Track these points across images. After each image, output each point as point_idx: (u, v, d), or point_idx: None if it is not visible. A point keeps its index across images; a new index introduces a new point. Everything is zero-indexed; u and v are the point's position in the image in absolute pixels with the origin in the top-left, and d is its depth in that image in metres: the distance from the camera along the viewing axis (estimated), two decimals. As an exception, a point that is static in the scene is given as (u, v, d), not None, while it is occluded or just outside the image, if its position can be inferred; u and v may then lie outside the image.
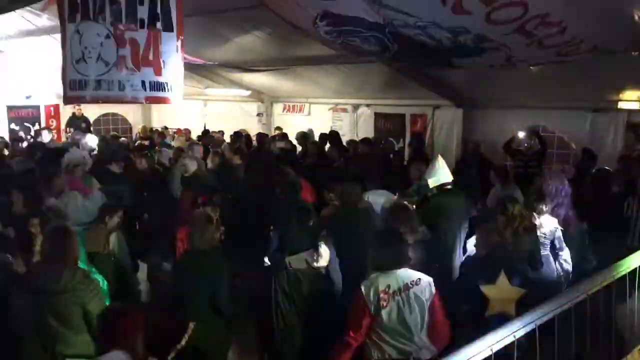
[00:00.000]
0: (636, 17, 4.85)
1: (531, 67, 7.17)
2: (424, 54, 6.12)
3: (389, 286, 3.57)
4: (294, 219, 5.07)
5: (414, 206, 5.67)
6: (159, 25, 6.76)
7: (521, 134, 8.79)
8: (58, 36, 6.83)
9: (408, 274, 3.68)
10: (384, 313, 3.54)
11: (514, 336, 2.49)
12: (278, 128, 12.41)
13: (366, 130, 11.74)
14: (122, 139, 12.31)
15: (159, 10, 6.71)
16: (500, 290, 4.07)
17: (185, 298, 4.36)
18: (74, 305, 3.56)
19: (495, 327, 2.50)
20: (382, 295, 3.53)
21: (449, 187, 5.91)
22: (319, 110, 12.95)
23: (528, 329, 2.60)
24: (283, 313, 4.87)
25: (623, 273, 3.39)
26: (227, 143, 10.72)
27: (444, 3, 4.65)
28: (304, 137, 10.70)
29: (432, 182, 5.96)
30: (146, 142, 11.82)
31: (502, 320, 3.20)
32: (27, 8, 8.12)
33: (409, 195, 6.29)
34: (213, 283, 4.32)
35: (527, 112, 9.21)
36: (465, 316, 4.17)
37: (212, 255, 4.43)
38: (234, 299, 4.45)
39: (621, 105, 8.11)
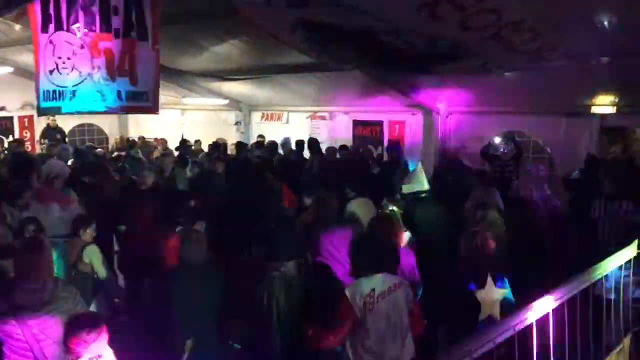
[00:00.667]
0: (606, 24, 4.95)
1: (506, 73, 7.26)
2: (400, 60, 6.17)
3: (373, 290, 3.58)
4: (282, 226, 5.03)
5: (401, 211, 5.67)
6: (133, 34, 6.73)
7: (497, 139, 8.89)
8: (32, 46, 6.73)
9: (389, 278, 3.70)
10: (370, 317, 3.54)
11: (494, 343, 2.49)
12: (260, 136, 12.37)
13: (344, 137, 11.76)
14: (98, 149, 12.16)
15: (133, 20, 6.68)
16: (487, 293, 4.10)
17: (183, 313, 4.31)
18: (61, 314, 3.49)
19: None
20: (367, 299, 3.54)
21: (423, 195, 5.95)
22: (297, 118, 12.95)
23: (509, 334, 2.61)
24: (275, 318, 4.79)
25: (599, 277, 3.44)
26: (205, 152, 10.66)
27: (420, 10, 4.69)
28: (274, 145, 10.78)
29: (405, 189, 6.00)
30: (123, 153, 11.67)
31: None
32: (0, 19, 8.00)
33: (396, 200, 6.27)
34: (212, 298, 4.32)
35: (503, 118, 9.31)
36: (454, 321, 4.15)
37: (207, 270, 4.43)
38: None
39: (594, 109, 8.25)
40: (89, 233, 5.22)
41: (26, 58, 10.20)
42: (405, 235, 5.11)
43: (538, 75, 7.18)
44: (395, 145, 10.07)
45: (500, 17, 4.69)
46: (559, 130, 8.90)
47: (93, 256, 5.11)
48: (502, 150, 8.74)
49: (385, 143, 11.08)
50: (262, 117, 13.70)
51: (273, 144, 10.88)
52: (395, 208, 5.56)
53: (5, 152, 10.65)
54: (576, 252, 5.95)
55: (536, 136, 9.31)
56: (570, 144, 8.67)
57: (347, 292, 3.61)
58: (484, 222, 5.14)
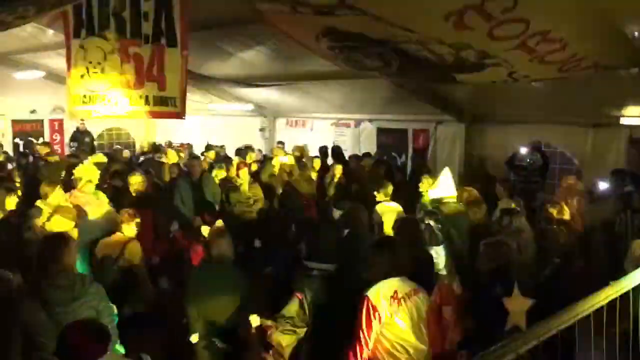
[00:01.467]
0: (635, 34, 4.88)
1: (533, 83, 7.19)
2: (426, 69, 6.15)
3: (396, 291, 3.54)
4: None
5: (438, 225, 5.57)
6: (163, 40, 6.85)
7: (523, 149, 8.81)
8: (63, 51, 6.88)
9: (408, 282, 3.67)
10: (397, 319, 3.50)
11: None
12: (280, 143, 12.45)
13: (369, 145, 11.77)
14: (125, 151, 12.41)
15: (163, 26, 6.80)
16: (515, 302, 4.06)
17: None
18: (88, 310, 3.57)
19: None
20: (391, 300, 3.50)
21: (450, 201, 5.92)
22: (321, 125, 13.00)
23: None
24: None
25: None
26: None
27: (446, 19, 4.68)
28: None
29: (432, 194, 5.97)
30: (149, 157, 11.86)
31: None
32: (33, 24, 8.19)
33: (432, 213, 6.11)
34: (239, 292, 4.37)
35: (529, 127, 9.23)
36: (477, 331, 4.11)
37: (231, 267, 4.49)
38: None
39: (623, 121, 8.12)
40: (131, 229, 5.30)
41: (57, 62, 10.42)
42: (441, 252, 5.05)
43: (566, 85, 7.10)
44: (421, 154, 10.04)
45: (528, 27, 4.65)
46: (586, 141, 8.77)
47: (135, 253, 5.19)
48: (528, 160, 8.66)
49: (410, 151, 11.06)
50: (287, 124, 13.79)
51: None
52: (432, 222, 5.44)
53: (35, 155, 10.85)
54: (604, 263, 5.85)
55: (563, 147, 9.19)
56: (598, 156, 8.54)
57: (369, 295, 3.54)
58: (510, 229, 5.08)
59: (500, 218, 5.47)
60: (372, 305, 3.50)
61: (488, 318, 4.03)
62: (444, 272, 4.98)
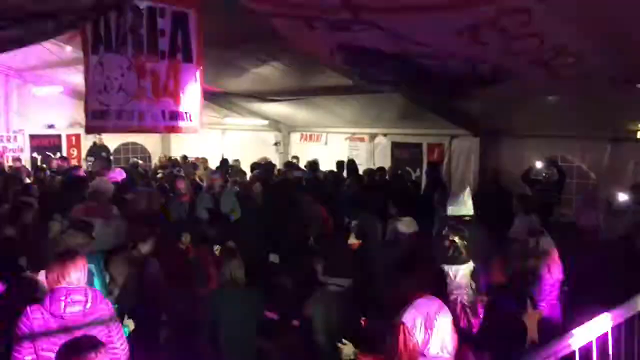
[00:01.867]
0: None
1: (549, 97, 7.16)
2: (440, 84, 6.15)
3: (428, 313, 3.48)
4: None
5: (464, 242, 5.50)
6: (179, 56, 6.94)
7: (538, 164, 8.73)
8: (81, 67, 6.98)
9: (433, 299, 3.61)
10: (432, 341, 3.44)
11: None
12: (295, 157, 12.49)
13: (383, 159, 11.75)
14: (140, 163, 12.55)
15: (179, 42, 6.88)
16: (530, 317, 4.01)
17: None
18: (99, 325, 3.57)
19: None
20: (426, 323, 3.44)
21: (467, 218, 5.86)
22: (335, 139, 13.01)
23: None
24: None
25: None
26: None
27: (461, 34, 4.69)
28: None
29: (451, 211, 5.92)
30: (164, 171, 11.97)
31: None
32: (52, 40, 8.33)
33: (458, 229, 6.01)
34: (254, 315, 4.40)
35: (545, 141, 9.15)
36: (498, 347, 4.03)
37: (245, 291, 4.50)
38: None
39: (641, 135, 8.04)
40: (147, 247, 5.32)
41: (75, 78, 10.58)
42: (464, 270, 4.98)
43: (583, 99, 7.05)
44: (435, 168, 10.00)
45: (543, 42, 4.64)
46: (604, 156, 8.67)
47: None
48: (543, 174, 8.59)
49: (425, 166, 11.03)
50: (301, 138, 13.82)
51: (313, 164, 10.95)
52: (457, 238, 5.32)
53: (53, 170, 10.99)
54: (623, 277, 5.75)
55: (580, 161, 9.09)
56: (616, 170, 8.44)
57: (405, 320, 3.45)
58: (538, 252, 4.97)
59: (526, 237, 5.33)
60: (409, 331, 3.42)
61: (506, 335, 3.97)
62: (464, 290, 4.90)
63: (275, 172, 11.12)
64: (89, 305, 3.52)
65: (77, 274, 3.65)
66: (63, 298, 3.47)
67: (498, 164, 9.83)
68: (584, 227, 6.22)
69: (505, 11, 4.24)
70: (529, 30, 4.50)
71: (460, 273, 4.47)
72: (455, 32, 4.68)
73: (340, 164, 10.73)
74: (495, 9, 4.22)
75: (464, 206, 5.90)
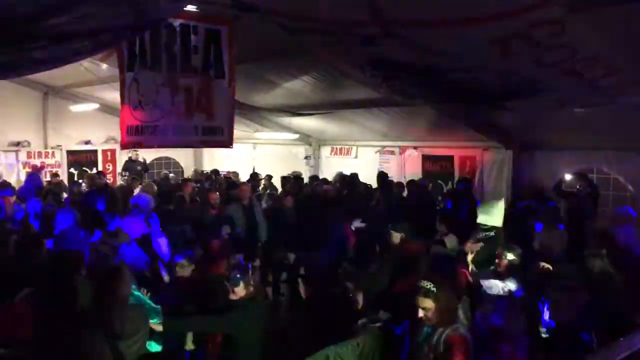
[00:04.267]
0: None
1: (583, 109, 7.04)
2: (471, 96, 6.12)
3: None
4: None
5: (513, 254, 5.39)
6: (211, 72, 7.07)
7: (568, 176, 8.59)
8: (117, 84, 7.16)
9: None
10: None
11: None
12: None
13: (414, 172, 11.69)
14: (171, 175, 12.75)
15: (211, 59, 7.02)
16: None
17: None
18: (141, 341, 3.65)
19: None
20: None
21: (492, 234, 5.79)
22: (366, 152, 13.01)
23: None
24: None
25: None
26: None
27: (491, 47, 4.67)
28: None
29: (480, 220, 5.88)
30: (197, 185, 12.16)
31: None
32: (89, 59, 8.57)
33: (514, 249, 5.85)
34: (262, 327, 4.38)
35: (580, 153, 8.99)
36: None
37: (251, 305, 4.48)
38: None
39: (680, 145, 7.84)
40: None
41: (111, 95, 10.85)
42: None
43: (618, 110, 6.91)
44: (467, 182, 9.91)
45: (575, 52, 4.59)
46: (641, 168, 8.48)
47: None
48: (577, 187, 8.44)
49: (456, 178, 10.93)
50: (332, 152, 13.86)
51: (344, 177, 10.95)
52: (512, 256, 5.21)
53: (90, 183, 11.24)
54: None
55: (617, 173, 8.90)
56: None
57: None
58: (597, 276, 4.84)
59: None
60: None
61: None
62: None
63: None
64: None
65: None
66: None
67: (531, 177, 9.69)
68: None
69: (537, 23, 4.21)
70: (561, 41, 4.45)
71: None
72: (486, 44, 4.66)
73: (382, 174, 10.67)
74: (527, 21, 4.20)
75: (494, 218, 5.84)
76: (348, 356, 3.79)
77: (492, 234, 5.81)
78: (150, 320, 4.08)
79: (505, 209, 6.31)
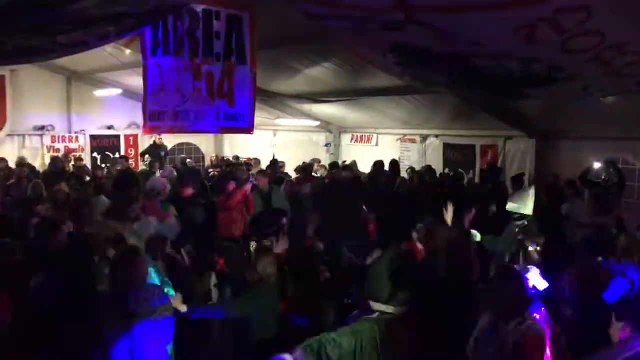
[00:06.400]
0: None
1: (609, 97, 6.92)
2: (494, 84, 6.04)
3: None
4: None
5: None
6: (233, 58, 7.07)
7: (597, 165, 8.44)
8: (139, 70, 7.21)
9: None
10: None
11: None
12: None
13: (435, 161, 11.62)
14: (190, 161, 12.86)
15: (233, 45, 7.02)
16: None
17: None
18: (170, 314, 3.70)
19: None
20: None
21: (523, 221, 5.72)
22: (387, 140, 12.96)
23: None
24: None
25: None
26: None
27: (517, 33, 4.59)
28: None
29: (510, 207, 5.83)
30: (217, 171, 12.24)
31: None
32: (112, 44, 8.63)
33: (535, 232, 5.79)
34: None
35: (605, 143, 8.85)
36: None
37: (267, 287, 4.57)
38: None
39: None
40: None
41: (134, 81, 10.93)
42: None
43: (645, 100, 6.78)
44: (497, 170, 9.79)
45: (603, 39, 4.49)
46: (668, 158, 8.32)
47: None
48: (603, 177, 8.30)
49: (477, 168, 10.84)
50: (352, 139, 13.83)
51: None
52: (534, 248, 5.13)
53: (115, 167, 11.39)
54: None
55: (643, 164, 8.75)
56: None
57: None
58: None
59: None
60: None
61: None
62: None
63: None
64: None
65: None
66: None
67: (555, 167, 9.57)
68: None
69: (563, 9, 4.13)
70: (587, 28, 4.36)
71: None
72: (511, 31, 4.59)
73: (394, 163, 10.63)
74: (553, 7, 4.12)
75: (524, 206, 5.79)
76: (346, 343, 3.90)
77: (525, 222, 5.75)
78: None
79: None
